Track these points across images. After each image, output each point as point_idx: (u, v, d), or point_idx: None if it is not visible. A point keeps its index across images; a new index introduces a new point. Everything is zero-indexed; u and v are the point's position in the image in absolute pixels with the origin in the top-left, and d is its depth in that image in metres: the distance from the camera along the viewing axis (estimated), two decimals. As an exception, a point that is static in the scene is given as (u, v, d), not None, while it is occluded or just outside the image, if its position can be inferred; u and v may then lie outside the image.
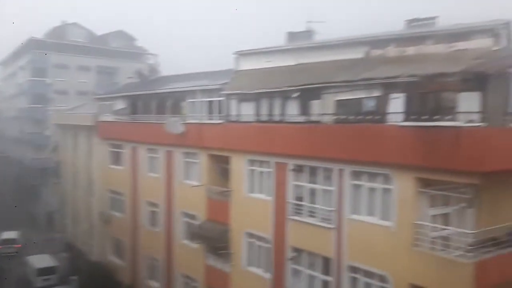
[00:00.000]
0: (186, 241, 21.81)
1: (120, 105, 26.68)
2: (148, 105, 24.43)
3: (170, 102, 22.68)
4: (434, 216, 12.96)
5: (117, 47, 52.86)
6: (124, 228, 26.48)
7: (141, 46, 55.51)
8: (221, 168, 20.11)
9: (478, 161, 11.37)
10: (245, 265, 18.46)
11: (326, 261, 15.35)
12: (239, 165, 18.45)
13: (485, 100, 11.73)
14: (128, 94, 26.54)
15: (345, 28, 22.33)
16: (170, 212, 22.78)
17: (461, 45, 13.58)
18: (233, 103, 18.76)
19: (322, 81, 15.33)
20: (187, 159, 21.67)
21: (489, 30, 13.23)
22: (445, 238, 12.53)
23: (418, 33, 14.99)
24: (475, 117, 11.69)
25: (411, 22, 16.33)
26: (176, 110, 22.12)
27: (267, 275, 17.50)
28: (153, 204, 24.12)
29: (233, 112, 18.75)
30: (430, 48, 14.20)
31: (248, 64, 19.49)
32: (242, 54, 19.77)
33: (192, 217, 21.28)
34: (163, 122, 21.69)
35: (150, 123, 23.45)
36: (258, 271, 17.98)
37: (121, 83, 31.61)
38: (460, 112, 11.94)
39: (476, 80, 11.73)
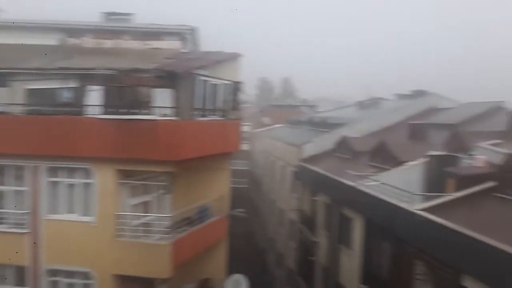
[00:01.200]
0: None
1: None
2: None
3: None
4: (135, 205, 13.53)
5: None
6: None
7: None
8: None
9: (173, 151, 12.56)
10: None
11: (20, 270, 13.59)
12: None
13: (176, 97, 13.05)
14: None
15: (36, 12, 20.25)
16: None
17: (155, 44, 14.69)
18: None
19: (9, 66, 13.35)
20: None
21: (178, 33, 14.85)
22: (146, 225, 13.30)
23: (116, 27, 15.25)
24: (169, 111, 12.85)
25: (108, 15, 16.38)
26: None
27: None
28: None
29: None
30: (126, 43, 14.68)
31: None
32: None
33: None
34: None
35: None
36: None
37: None
38: (155, 107, 12.85)
39: (168, 78, 12.89)
